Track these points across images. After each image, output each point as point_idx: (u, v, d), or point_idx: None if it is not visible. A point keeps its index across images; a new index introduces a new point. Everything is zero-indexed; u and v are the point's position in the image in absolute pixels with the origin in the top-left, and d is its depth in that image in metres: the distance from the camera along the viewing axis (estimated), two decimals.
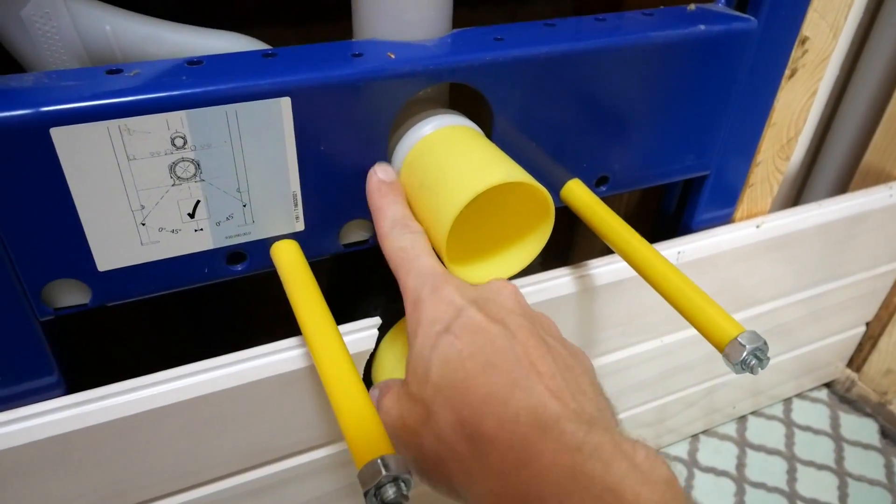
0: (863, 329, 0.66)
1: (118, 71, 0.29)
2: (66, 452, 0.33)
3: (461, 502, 0.27)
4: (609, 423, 0.25)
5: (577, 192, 0.39)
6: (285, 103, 0.30)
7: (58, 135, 0.26)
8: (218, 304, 0.57)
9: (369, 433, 0.25)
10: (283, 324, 0.36)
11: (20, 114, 0.26)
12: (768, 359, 0.30)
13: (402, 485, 0.24)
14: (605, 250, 0.45)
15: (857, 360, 0.68)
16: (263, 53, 0.31)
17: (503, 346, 0.26)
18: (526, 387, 0.25)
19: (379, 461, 0.24)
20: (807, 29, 0.41)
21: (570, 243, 0.68)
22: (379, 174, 0.33)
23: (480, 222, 0.34)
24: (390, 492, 0.23)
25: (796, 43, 0.42)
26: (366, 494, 0.24)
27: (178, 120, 0.28)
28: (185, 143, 0.29)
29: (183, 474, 0.37)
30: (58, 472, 0.33)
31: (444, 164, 0.31)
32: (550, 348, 0.27)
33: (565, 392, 0.25)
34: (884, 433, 0.65)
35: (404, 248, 0.31)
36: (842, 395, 0.69)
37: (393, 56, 0.32)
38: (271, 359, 0.35)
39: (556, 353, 0.27)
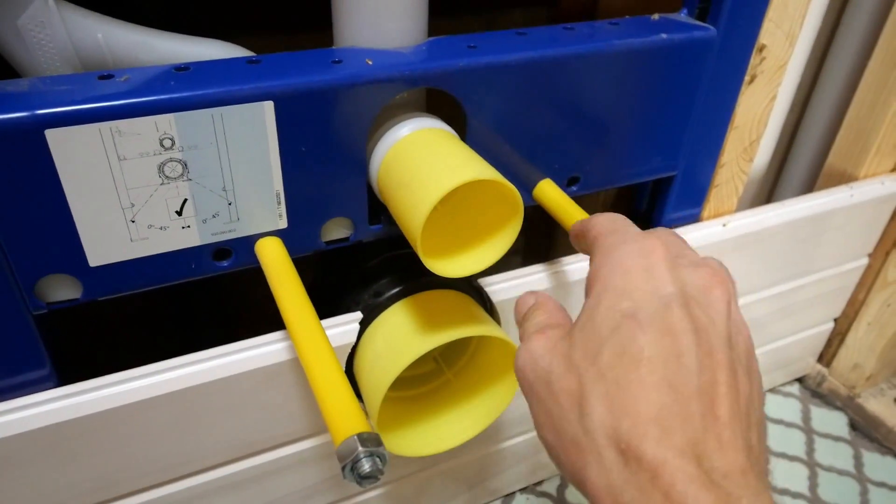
0: (831, 325, 0.68)
1: (109, 76, 0.30)
2: (58, 443, 0.34)
3: (565, 474, 0.25)
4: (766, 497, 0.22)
5: (549, 192, 0.41)
6: (268, 107, 0.31)
7: (52, 136, 0.28)
8: (205, 299, 0.59)
9: (347, 412, 0.27)
10: (269, 320, 0.38)
11: (17, 116, 0.27)
12: None
13: (378, 460, 0.25)
14: None
15: (827, 355, 0.70)
16: (248, 60, 0.33)
17: (689, 368, 0.23)
18: (698, 426, 0.22)
19: (356, 437, 0.25)
20: (764, 37, 0.44)
21: (551, 241, 0.70)
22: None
23: (455, 218, 0.36)
24: (366, 466, 0.25)
25: (754, 50, 0.44)
26: (343, 469, 0.25)
27: (166, 122, 0.30)
28: (173, 144, 0.30)
29: (171, 465, 0.38)
30: (49, 462, 0.34)
31: (420, 164, 0.33)
32: (738, 385, 0.24)
33: (738, 442, 0.22)
34: (853, 426, 0.68)
35: (617, 222, 0.29)
36: (813, 390, 0.71)
37: (371, 63, 0.33)
38: (256, 352, 0.37)
39: (742, 392, 0.24)
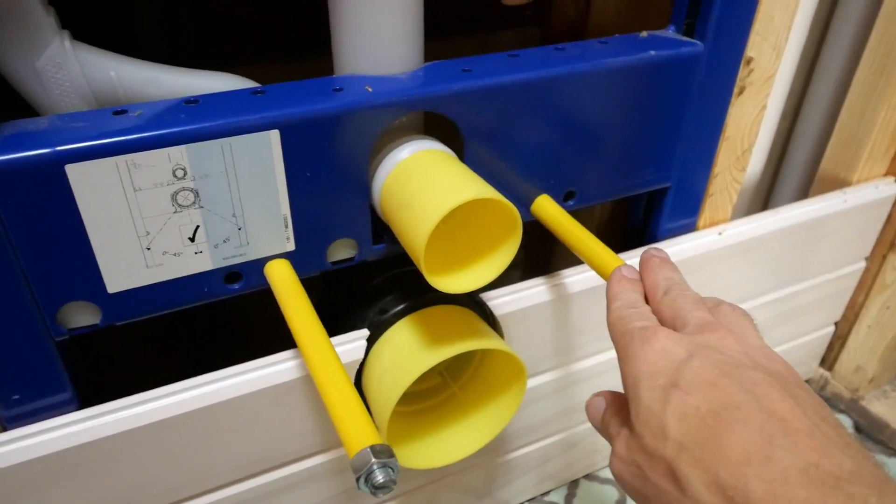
0: (832, 329, 0.69)
1: (123, 112, 0.32)
2: (80, 464, 0.35)
3: None
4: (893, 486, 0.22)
5: (546, 207, 0.42)
6: (274, 136, 0.33)
7: (72, 171, 0.29)
8: (213, 324, 0.60)
9: (359, 425, 0.28)
10: (276, 342, 0.39)
11: (39, 153, 0.29)
12: None
13: (391, 470, 0.27)
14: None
15: (829, 359, 0.71)
16: (252, 91, 0.35)
17: (745, 401, 0.25)
18: (786, 445, 0.23)
19: (368, 450, 0.27)
20: (751, 50, 0.45)
21: (549, 254, 0.72)
22: (623, 271, 0.35)
23: (456, 237, 0.37)
24: (380, 476, 0.26)
25: (742, 63, 0.45)
26: (357, 480, 0.26)
27: (178, 154, 0.31)
28: (186, 174, 0.32)
29: (187, 483, 0.39)
30: (72, 482, 0.36)
31: (421, 185, 0.34)
32: (796, 397, 0.25)
33: (832, 448, 0.23)
34: (857, 428, 0.68)
35: (624, 317, 0.31)
36: (817, 394, 0.72)
37: (370, 89, 0.35)
38: (269, 370, 0.38)
39: (805, 402, 0.25)
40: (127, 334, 0.42)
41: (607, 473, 0.61)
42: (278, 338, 0.41)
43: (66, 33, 0.32)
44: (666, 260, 0.35)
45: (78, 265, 0.32)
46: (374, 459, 0.26)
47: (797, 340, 0.67)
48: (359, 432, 0.28)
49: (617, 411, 0.32)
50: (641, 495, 0.28)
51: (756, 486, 0.22)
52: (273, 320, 0.41)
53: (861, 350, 0.67)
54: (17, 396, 0.35)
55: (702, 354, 0.27)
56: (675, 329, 0.30)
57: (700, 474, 0.24)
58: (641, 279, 0.35)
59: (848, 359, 0.68)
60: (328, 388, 0.30)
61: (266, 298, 0.40)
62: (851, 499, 0.21)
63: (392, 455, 0.27)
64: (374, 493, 0.27)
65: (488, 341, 0.39)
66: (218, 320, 0.60)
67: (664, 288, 0.33)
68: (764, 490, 0.22)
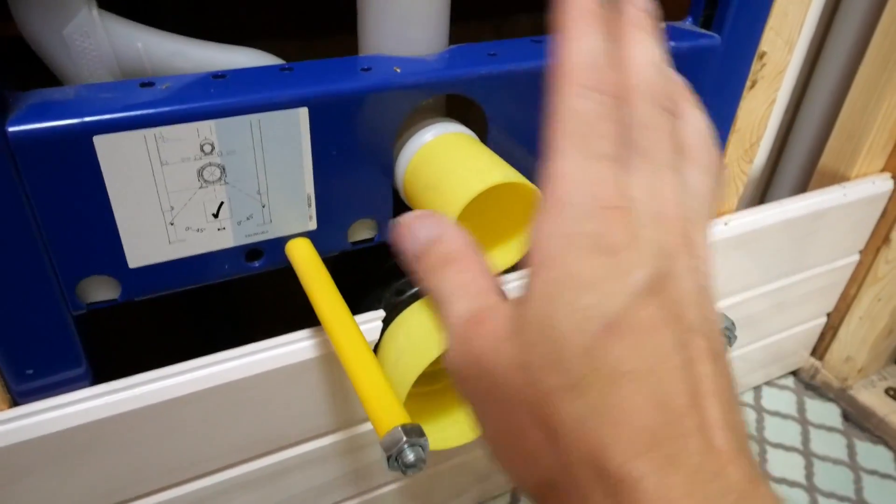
0: (824, 320, 0.70)
1: (150, 84, 0.31)
2: (94, 439, 0.35)
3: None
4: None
5: None
6: (303, 113, 0.33)
7: (100, 142, 0.29)
8: (222, 306, 0.59)
9: (388, 405, 0.28)
10: (282, 324, 0.39)
11: (67, 123, 0.28)
12: (735, 337, 0.34)
13: (420, 449, 0.27)
14: None
15: (820, 348, 0.72)
16: (280, 68, 0.34)
17: (674, 373, 0.18)
18: (693, 447, 0.18)
19: (399, 428, 0.27)
20: (765, 44, 0.45)
21: None
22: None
23: (478, 220, 0.37)
24: (411, 456, 0.26)
25: (755, 57, 0.46)
26: (388, 459, 0.27)
27: (207, 129, 0.31)
28: (213, 149, 0.31)
29: (198, 461, 0.39)
30: (87, 458, 0.35)
31: (448, 167, 0.34)
32: (721, 379, 0.19)
33: (735, 450, 0.18)
34: (845, 416, 0.70)
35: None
36: (807, 383, 0.74)
37: (399, 70, 0.35)
38: (285, 349, 0.38)
39: (725, 387, 0.19)
40: (137, 309, 0.42)
41: None
42: (286, 320, 0.41)
43: (93, 2, 0.31)
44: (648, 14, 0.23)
45: (100, 239, 0.32)
46: (404, 438, 0.27)
47: (790, 330, 0.68)
48: (388, 412, 0.28)
49: (468, 269, 0.24)
50: (483, 407, 0.22)
51: (650, 485, 0.18)
52: (279, 302, 0.41)
53: (852, 341, 0.69)
54: (30, 371, 0.34)
55: (660, 282, 0.19)
56: None
57: (583, 441, 0.19)
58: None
59: (839, 349, 0.70)
60: (356, 368, 0.30)
61: (274, 280, 0.39)
62: None
63: (422, 434, 0.27)
64: (404, 472, 0.27)
65: None
66: (225, 300, 0.60)
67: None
68: (658, 494, 0.18)
